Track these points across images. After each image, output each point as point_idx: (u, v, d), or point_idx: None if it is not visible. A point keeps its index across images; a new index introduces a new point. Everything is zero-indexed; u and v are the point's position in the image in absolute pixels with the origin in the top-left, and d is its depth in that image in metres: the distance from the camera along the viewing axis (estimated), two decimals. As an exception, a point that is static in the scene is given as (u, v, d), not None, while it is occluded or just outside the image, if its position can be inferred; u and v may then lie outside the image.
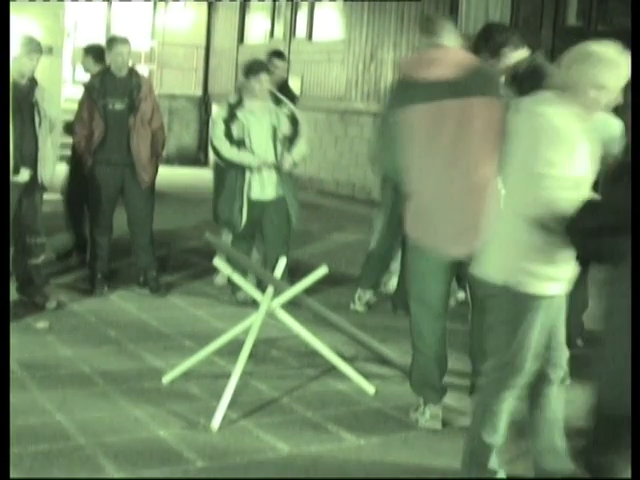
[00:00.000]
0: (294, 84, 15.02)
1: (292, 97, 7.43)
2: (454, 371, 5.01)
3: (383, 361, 5.46)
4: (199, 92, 18.68)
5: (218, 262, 5.21)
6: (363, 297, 6.87)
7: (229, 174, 6.66)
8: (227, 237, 7.05)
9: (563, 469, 3.62)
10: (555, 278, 3.37)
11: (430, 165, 4.30)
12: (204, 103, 18.37)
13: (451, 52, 4.35)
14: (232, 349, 4.96)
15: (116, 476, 3.84)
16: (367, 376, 5.07)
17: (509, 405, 3.59)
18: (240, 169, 6.58)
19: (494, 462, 3.65)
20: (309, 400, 4.88)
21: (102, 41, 8.19)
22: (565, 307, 3.59)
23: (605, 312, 3.15)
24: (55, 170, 6.34)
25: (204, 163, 16.86)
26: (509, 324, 3.45)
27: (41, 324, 5.99)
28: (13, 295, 6.20)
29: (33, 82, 6.10)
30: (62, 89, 13.04)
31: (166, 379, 5.01)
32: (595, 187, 3.37)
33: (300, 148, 6.70)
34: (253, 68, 6.62)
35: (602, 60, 3.25)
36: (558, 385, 3.71)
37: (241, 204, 6.58)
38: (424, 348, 4.50)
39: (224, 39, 18.06)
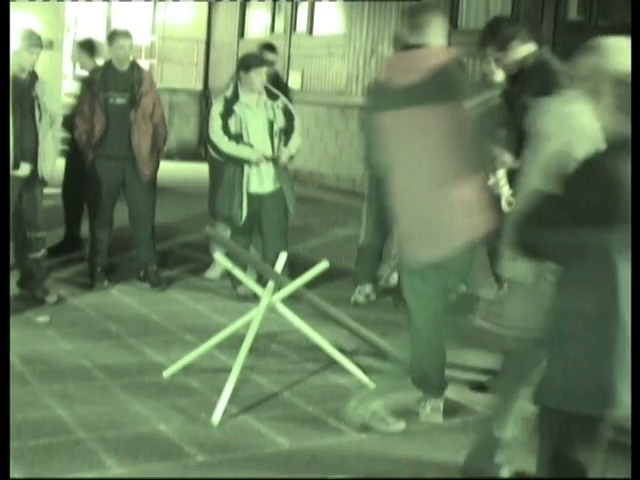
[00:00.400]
0: (295, 78, 15.04)
1: (284, 90, 7.43)
2: (456, 365, 5.01)
3: (383, 355, 5.46)
4: (199, 86, 18.65)
5: (218, 256, 5.21)
6: (363, 291, 6.88)
7: (227, 169, 6.66)
8: (224, 232, 7.05)
9: None
10: None
11: (401, 171, 4.32)
12: (205, 97, 18.33)
13: (426, 54, 4.23)
14: (233, 343, 4.96)
15: (117, 470, 3.84)
16: (368, 370, 5.07)
17: (524, 402, 3.57)
18: (238, 163, 6.58)
19: (501, 457, 3.65)
20: (310, 394, 4.88)
21: (102, 36, 8.18)
22: None
23: (551, 316, 3.07)
24: (55, 164, 6.33)
25: (204, 158, 16.75)
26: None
27: (41, 318, 5.99)
28: (13, 289, 6.20)
29: (33, 76, 6.09)
30: (62, 83, 13.02)
31: (167, 373, 5.01)
32: None
33: (296, 141, 6.78)
34: (254, 61, 6.62)
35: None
36: None
37: (241, 198, 6.58)
38: (420, 342, 4.49)
39: (225, 33, 18.02)
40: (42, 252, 6.39)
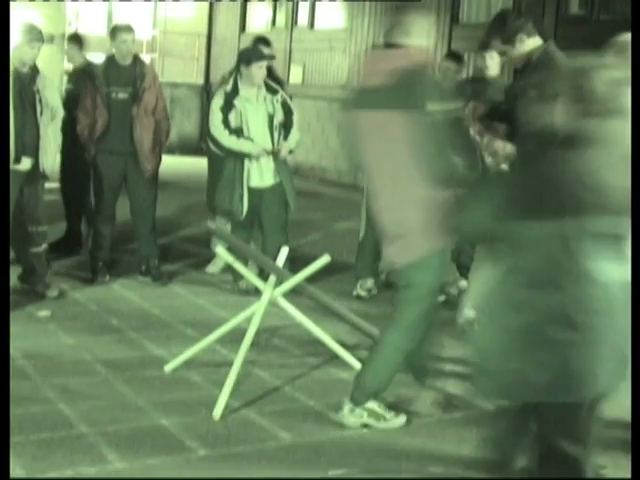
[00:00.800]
0: (296, 73, 15.02)
1: (279, 83, 7.42)
2: (456, 359, 5.02)
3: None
4: (201, 81, 18.63)
5: (220, 250, 5.21)
6: (364, 285, 6.89)
7: (227, 163, 6.66)
8: (225, 227, 7.04)
9: None
10: None
11: (368, 172, 4.34)
12: (206, 92, 18.31)
13: (395, 55, 4.19)
14: (234, 337, 4.96)
15: (118, 465, 3.84)
16: (369, 365, 5.07)
17: None
18: (239, 157, 6.58)
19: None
20: (311, 389, 4.88)
21: (104, 30, 8.19)
22: None
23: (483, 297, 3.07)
24: (56, 159, 6.33)
25: (206, 152, 16.80)
26: None
27: (43, 312, 6.00)
28: (15, 284, 6.21)
29: (34, 70, 6.09)
30: (63, 78, 13.00)
31: (168, 368, 5.01)
32: None
33: (295, 135, 6.80)
34: (255, 55, 6.62)
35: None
36: None
37: (241, 193, 6.59)
38: (408, 334, 4.43)
39: (226, 28, 18.00)
40: (43, 246, 6.39)
